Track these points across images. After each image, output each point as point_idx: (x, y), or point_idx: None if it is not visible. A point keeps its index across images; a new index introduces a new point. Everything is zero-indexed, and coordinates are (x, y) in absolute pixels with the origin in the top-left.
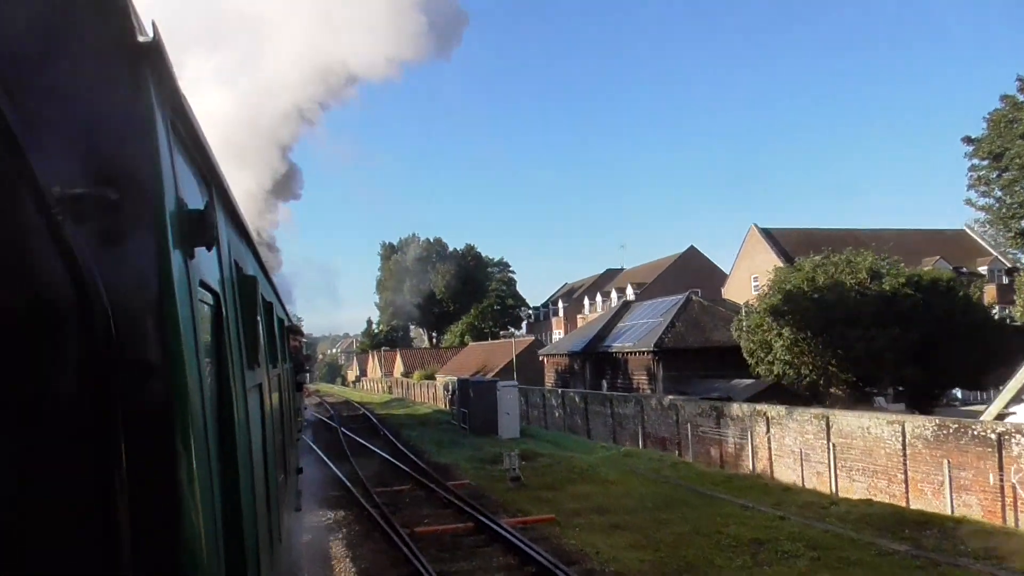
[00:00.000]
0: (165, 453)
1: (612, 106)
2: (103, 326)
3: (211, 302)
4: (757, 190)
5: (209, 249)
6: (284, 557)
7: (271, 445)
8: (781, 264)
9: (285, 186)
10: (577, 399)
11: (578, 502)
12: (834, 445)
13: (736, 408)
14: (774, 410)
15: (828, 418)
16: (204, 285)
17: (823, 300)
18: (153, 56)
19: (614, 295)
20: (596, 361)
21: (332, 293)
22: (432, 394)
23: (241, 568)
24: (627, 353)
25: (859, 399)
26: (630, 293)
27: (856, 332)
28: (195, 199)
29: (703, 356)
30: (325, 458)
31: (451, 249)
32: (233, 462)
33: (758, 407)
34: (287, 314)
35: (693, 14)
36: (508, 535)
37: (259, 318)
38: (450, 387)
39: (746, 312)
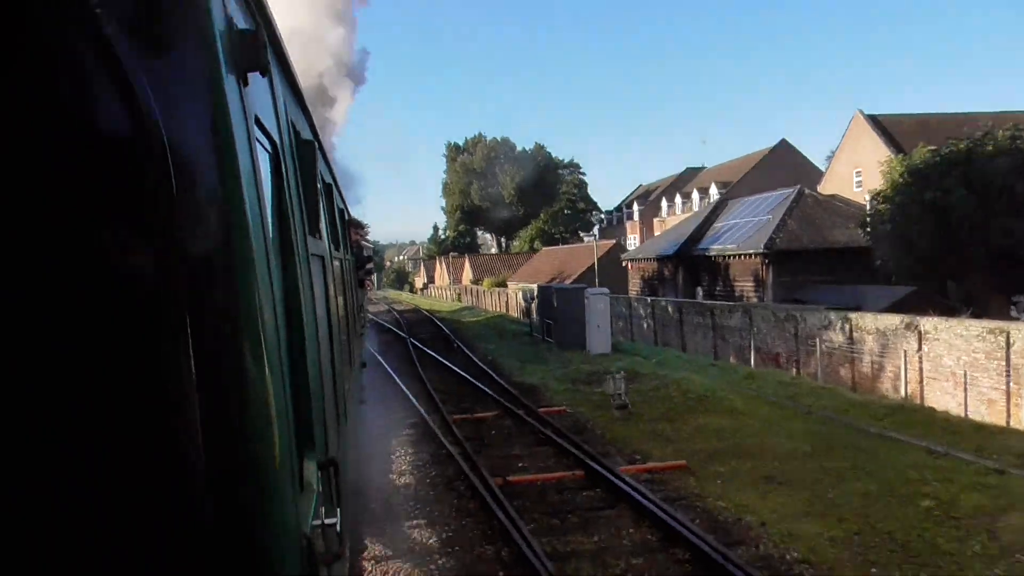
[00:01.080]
0: (228, 298)
1: None
2: (159, 154)
3: (269, 149)
4: (856, 74)
5: (263, 75)
6: (351, 438)
7: (335, 320)
8: (891, 156)
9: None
10: (670, 309)
11: (707, 441)
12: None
13: (875, 320)
14: (930, 322)
15: (1009, 333)
16: (260, 127)
17: (978, 179)
18: None
19: (695, 196)
20: (690, 266)
21: (401, 188)
22: (504, 302)
23: (308, 435)
24: (729, 256)
25: (998, 306)
26: (713, 193)
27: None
28: (243, 24)
29: (822, 259)
30: (394, 375)
31: (520, 149)
32: (298, 320)
33: (909, 318)
34: (346, 205)
35: None
36: (632, 492)
37: (319, 186)
38: (529, 295)
39: (878, 200)
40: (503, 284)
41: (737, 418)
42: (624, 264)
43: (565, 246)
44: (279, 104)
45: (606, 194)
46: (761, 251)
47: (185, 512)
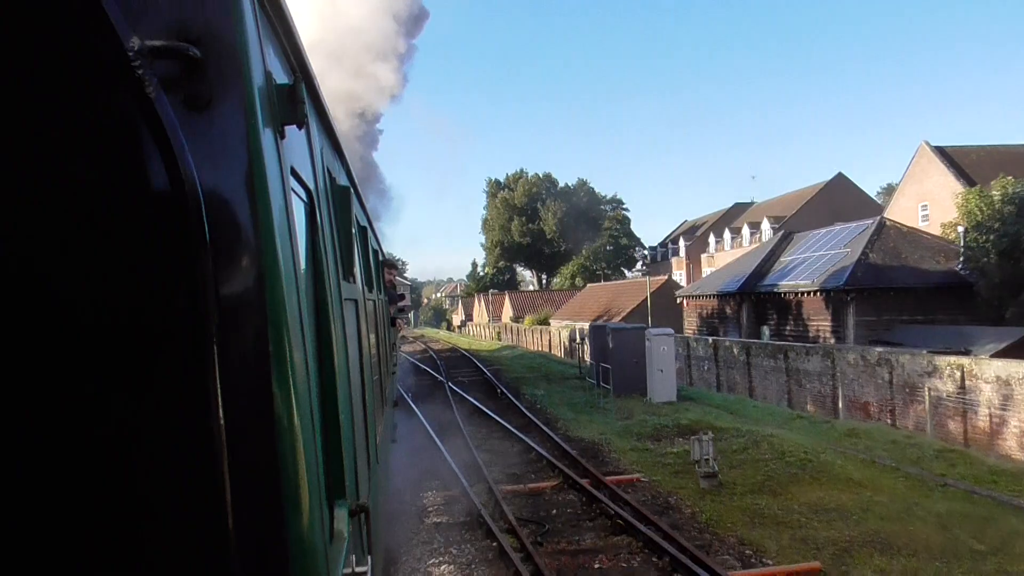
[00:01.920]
0: (259, 349)
1: (742, 18)
2: (195, 207)
3: (304, 198)
4: (920, 105)
5: (299, 128)
6: (383, 480)
7: (368, 361)
8: (962, 188)
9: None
10: (736, 350)
11: (832, 526)
12: None
13: (996, 366)
14: None
15: None
16: (296, 177)
17: None
18: None
19: (746, 231)
20: (756, 303)
21: (439, 225)
22: (547, 341)
23: (339, 482)
24: (801, 293)
25: None
26: (766, 228)
27: None
28: (282, 77)
29: (911, 296)
30: (430, 430)
31: (562, 185)
32: (330, 365)
33: None
34: (381, 247)
35: None
36: None
37: (354, 232)
38: (578, 335)
39: (978, 232)
40: (545, 322)
41: (858, 492)
42: (679, 301)
43: (611, 282)
44: (316, 153)
45: (649, 230)
46: (841, 287)
47: (212, 561)
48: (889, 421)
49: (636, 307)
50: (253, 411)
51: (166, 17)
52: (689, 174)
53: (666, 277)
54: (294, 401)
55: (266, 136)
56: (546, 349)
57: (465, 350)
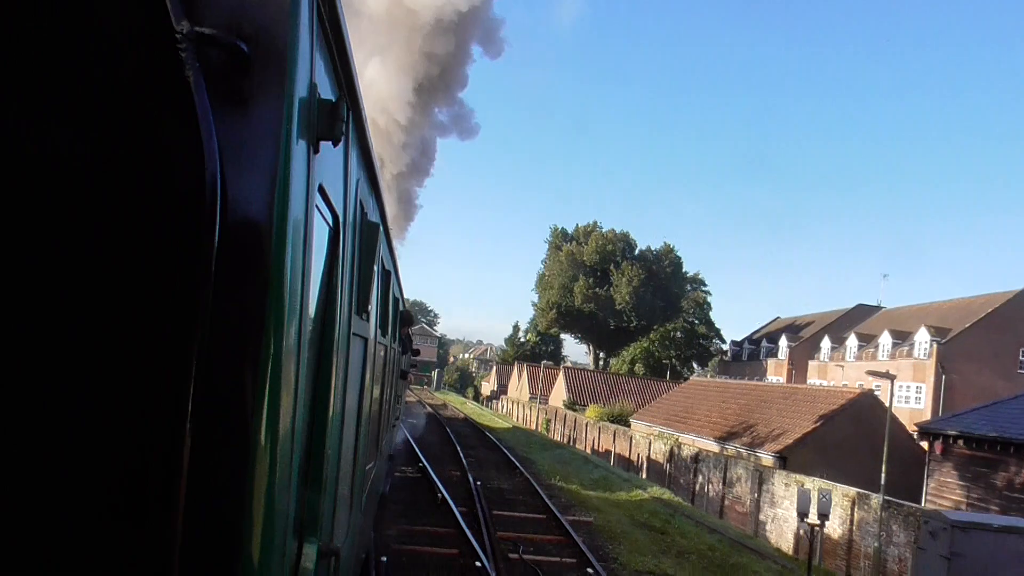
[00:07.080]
0: (246, 363)
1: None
2: (211, 199)
3: (330, 221)
4: None
5: (335, 145)
6: (361, 522)
7: (367, 402)
8: None
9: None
10: None
11: None
12: None
13: None
14: None
15: None
16: (324, 196)
17: None
18: None
19: (885, 339)
20: None
21: (477, 281)
22: (628, 450)
23: (313, 519)
24: None
25: None
26: (922, 340)
27: None
28: (327, 93)
29: None
30: None
31: (642, 247)
32: (325, 395)
33: None
34: (403, 297)
35: None
36: None
37: (375, 269)
38: (820, 507)
39: None
40: (622, 420)
41: None
42: (923, 442)
43: (743, 382)
44: (350, 180)
45: (729, 321)
46: None
47: (155, 567)
48: None
49: (811, 432)
50: (226, 428)
51: (224, 10)
52: (784, 265)
53: (858, 390)
54: (265, 424)
55: (298, 145)
56: (620, 461)
57: (522, 455)
